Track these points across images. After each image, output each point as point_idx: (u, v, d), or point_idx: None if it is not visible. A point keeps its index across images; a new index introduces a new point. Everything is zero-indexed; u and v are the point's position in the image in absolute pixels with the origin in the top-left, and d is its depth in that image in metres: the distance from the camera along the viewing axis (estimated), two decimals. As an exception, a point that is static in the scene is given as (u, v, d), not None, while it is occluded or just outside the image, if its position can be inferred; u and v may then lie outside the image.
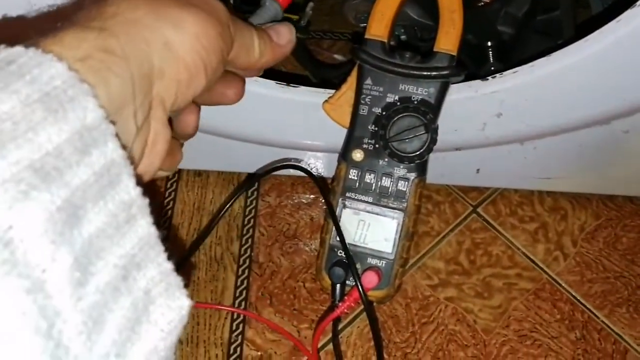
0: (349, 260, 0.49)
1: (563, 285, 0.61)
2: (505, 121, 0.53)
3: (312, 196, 0.65)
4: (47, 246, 0.20)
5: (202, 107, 0.40)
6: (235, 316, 0.58)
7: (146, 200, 0.25)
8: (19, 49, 0.24)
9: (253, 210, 0.65)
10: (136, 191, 0.25)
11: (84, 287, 0.21)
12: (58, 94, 0.23)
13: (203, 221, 0.64)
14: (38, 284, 0.20)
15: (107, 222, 0.23)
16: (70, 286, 0.21)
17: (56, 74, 0.23)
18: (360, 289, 0.48)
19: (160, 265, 0.25)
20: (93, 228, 0.23)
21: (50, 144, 0.22)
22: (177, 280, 0.26)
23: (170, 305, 0.25)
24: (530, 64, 0.49)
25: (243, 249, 0.62)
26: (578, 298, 0.60)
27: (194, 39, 0.30)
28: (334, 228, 0.50)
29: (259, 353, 0.56)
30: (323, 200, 0.64)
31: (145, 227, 0.25)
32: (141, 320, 0.24)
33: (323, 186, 0.53)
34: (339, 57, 0.69)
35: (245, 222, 0.64)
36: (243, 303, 0.59)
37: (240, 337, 0.57)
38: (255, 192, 0.66)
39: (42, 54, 0.24)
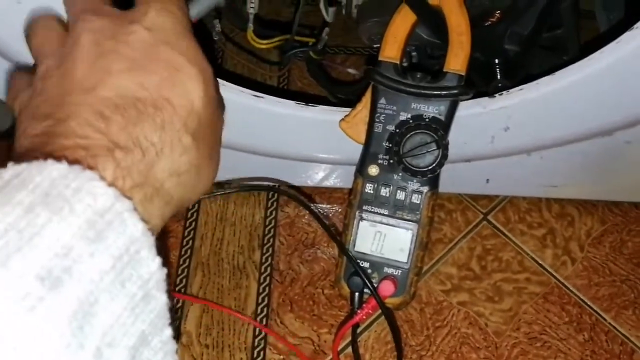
0: (361, 275, 0.52)
1: (571, 288, 0.63)
2: (512, 134, 0.56)
3: (328, 206, 0.68)
4: None
5: (229, 124, 0.41)
6: (257, 322, 0.61)
7: (164, 271, 0.25)
8: (24, 165, 0.24)
9: (273, 221, 0.68)
10: (155, 264, 0.24)
11: None
12: (61, 190, 0.23)
13: (225, 231, 0.67)
14: None
15: (125, 306, 0.23)
16: None
17: (57, 174, 0.23)
18: (378, 300, 0.50)
19: (162, 334, 0.25)
20: (109, 319, 0.22)
21: (58, 243, 0.22)
22: (173, 347, 0.25)
23: None
24: (536, 81, 0.52)
25: (264, 257, 0.65)
26: (586, 301, 0.63)
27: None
28: (351, 240, 0.53)
29: (282, 357, 0.59)
30: (339, 210, 0.67)
31: (159, 300, 0.25)
32: None
33: (308, 204, 0.55)
34: (352, 71, 0.72)
35: (266, 232, 0.67)
36: (265, 309, 0.62)
37: (263, 341, 0.60)
38: (275, 203, 0.69)
39: (42, 163, 0.24)
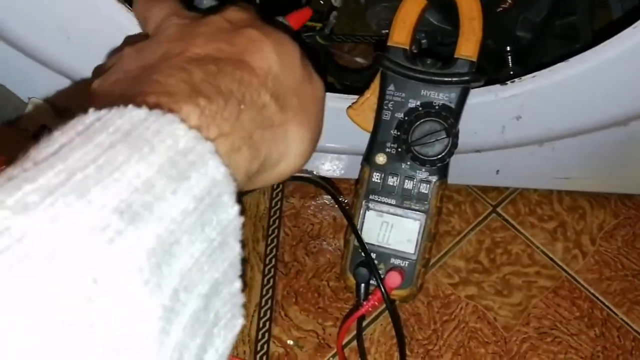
0: (371, 263, 0.50)
1: (582, 283, 0.62)
2: (524, 124, 0.55)
3: (337, 197, 0.67)
4: (133, 301, 0.19)
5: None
6: (261, 314, 0.60)
7: (241, 219, 0.24)
8: (105, 110, 0.24)
9: (278, 211, 0.66)
10: (234, 211, 0.24)
11: (168, 335, 0.20)
12: (141, 132, 0.23)
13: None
14: (123, 343, 0.19)
15: (203, 250, 0.22)
16: (156, 340, 0.20)
17: (137, 117, 0.23)
18: (383, 290, 0.49)
19: (232, 286, 0.24)
20: (187, 262, 0.22)
21: (138, 179, 0.21)
22: (241, 300, 0.25)
23: (229, 326, 0.24)
24: (549, 68, 0.51)
25: (269, 248, 0.64)
26: (597, 296, 0.61)
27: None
28: (357, 230, 0.52)
29: (286, 350, 0.58)
30: (346, 201, 0.66)
31: (234, 249, 0.24)
32: (206, 347, 0.23)
33: (335, 192, 0.55)
34: (360, 60, 0.71)
35: (271, 223, 0.66)
36: (269, 302, 0.60)
37: (267, 334, 0.59)
38: (280, 194, 0.68)
39: (123, 108, 0.24)
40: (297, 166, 0.34)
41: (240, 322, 0.25)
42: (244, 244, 0.25)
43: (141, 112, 0.24)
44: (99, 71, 0.34)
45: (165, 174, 0.22)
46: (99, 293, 0.19)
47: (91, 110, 0.24)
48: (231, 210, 0.24)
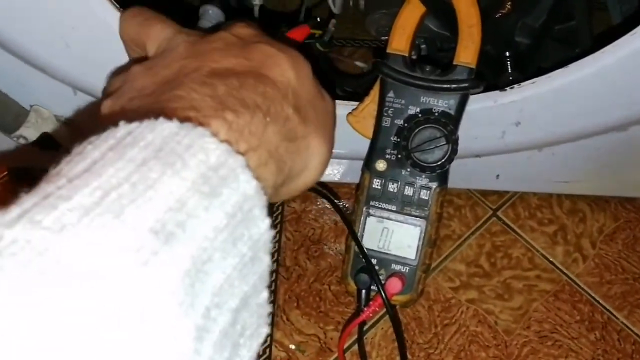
0: (372, 269, 0.51)
1: (582, 286, 0.62)
2: (523, 129, 0.55)
3: (335, 201, 0.67)
4: (167, 323, 0.19)
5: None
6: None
7: (272, 232, 0.24)
8: (136, 123, 0.24)
9: (279, 216, 0.67)
10: (265, 224, 0.24)
11: (200, 354, 0.20)
12: (173, 147, 0.23)
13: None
14: None
15: (234, 266, 0.22)
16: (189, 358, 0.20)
17: (169, 131, 0.23)
18: (383, 296, 0.50)
19: (259, 296, 0.24)
20: (219, 278, 0.22)
21: (172, 197, 0.21)
22: (267, 310, 0.25)
23: (254, 335, 0.24)
24: (548, 74, 0.51)
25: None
26: (597, 299, 0.62)
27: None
28: (358, 236, 0.52)
29: (288, 354, 0.58)
30: (347, 205, 0.67)
31: (264, 262, 0.24)
32: (232, 359, 0.22)
33: (332, 197, 0.55)
34: (360, 64, 0.71)
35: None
36: (271, 306, 0.61)
37: (269, 338, 0.59)
38: (281, 198, 0.68)
39: (154, 121, 0.24)
40: (315, 179, 0.35)
41: (265, 330, 0.25)
42: (271, 255, 0.25)
43: (172, 126, 0.24)
44: (106, 93, 0.34)
45: (198, 190, 0.22)
46: (133, 316, 0.19)
47: (122, 123, 0.24)
48: (262, 224, 0.24)
